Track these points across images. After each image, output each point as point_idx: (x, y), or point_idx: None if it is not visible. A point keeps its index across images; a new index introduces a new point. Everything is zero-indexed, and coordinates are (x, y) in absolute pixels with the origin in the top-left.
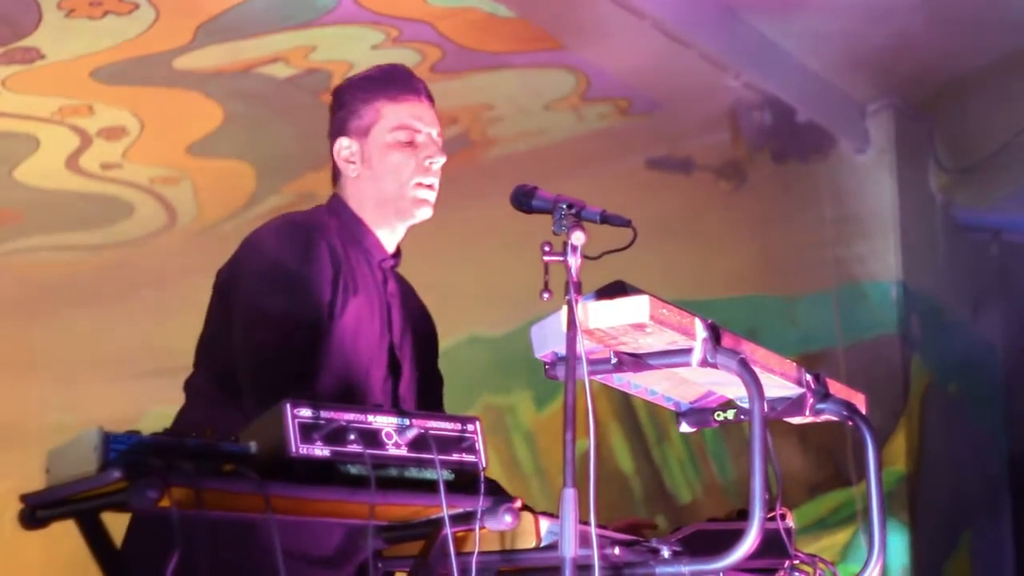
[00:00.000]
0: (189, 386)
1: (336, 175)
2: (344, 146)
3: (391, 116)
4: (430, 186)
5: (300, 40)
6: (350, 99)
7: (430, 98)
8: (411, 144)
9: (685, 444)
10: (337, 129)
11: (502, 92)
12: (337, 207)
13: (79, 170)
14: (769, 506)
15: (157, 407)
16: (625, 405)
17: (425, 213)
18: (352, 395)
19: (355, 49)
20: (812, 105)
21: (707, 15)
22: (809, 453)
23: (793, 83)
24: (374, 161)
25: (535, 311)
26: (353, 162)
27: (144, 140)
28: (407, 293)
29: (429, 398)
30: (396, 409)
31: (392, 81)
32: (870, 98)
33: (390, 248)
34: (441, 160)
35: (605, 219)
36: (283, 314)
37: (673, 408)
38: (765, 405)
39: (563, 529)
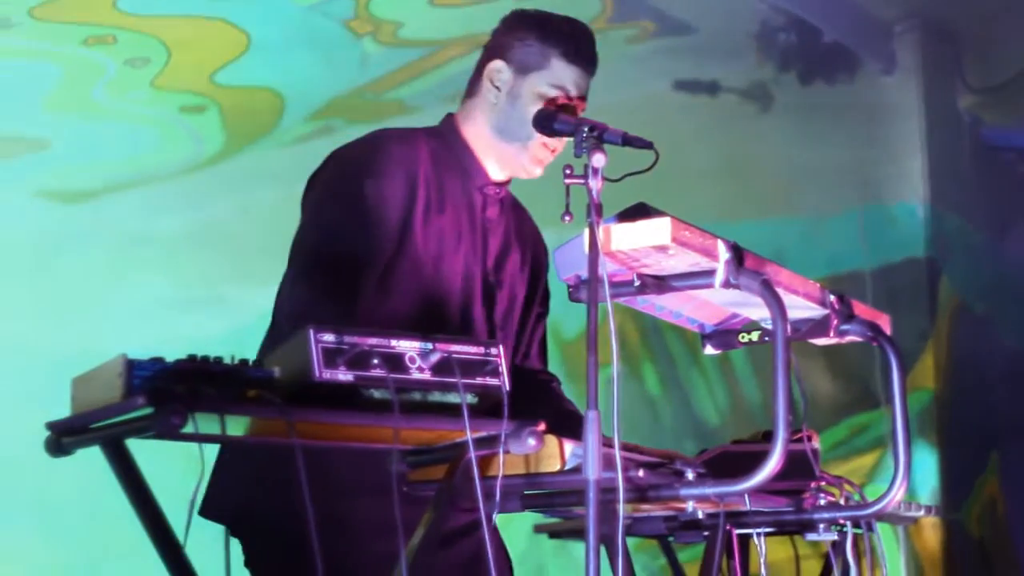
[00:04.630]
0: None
1: (471, 91)
2: (498, 69)
3: (557, 71)
4: (553, 150)
5: None
6: (526, 31)
7: (593, 74)
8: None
9: (714, 367)
10: (498, 50)
11: None
12: (446, 129)
13: (105, 99)
14: (794, 428)
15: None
16: (654, 329)
17: (535, 172)
18: (427, 319)
19: None
20: (838, 26)
21: None
22: (837, 375)
23: (819, 4)
24: (518, 101)
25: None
26: (499, 88)
27: (170, 68)
28: (519, 219)
29: (523, 329)
30: (420, 333)
31: (574, 40)
32: (896, 19)
33: (496, 177)
34: (559, 147)
35: (627, 141)
36: (337, 225)
37: (698, 330)
38: (788, 326)
39: (586, 451)
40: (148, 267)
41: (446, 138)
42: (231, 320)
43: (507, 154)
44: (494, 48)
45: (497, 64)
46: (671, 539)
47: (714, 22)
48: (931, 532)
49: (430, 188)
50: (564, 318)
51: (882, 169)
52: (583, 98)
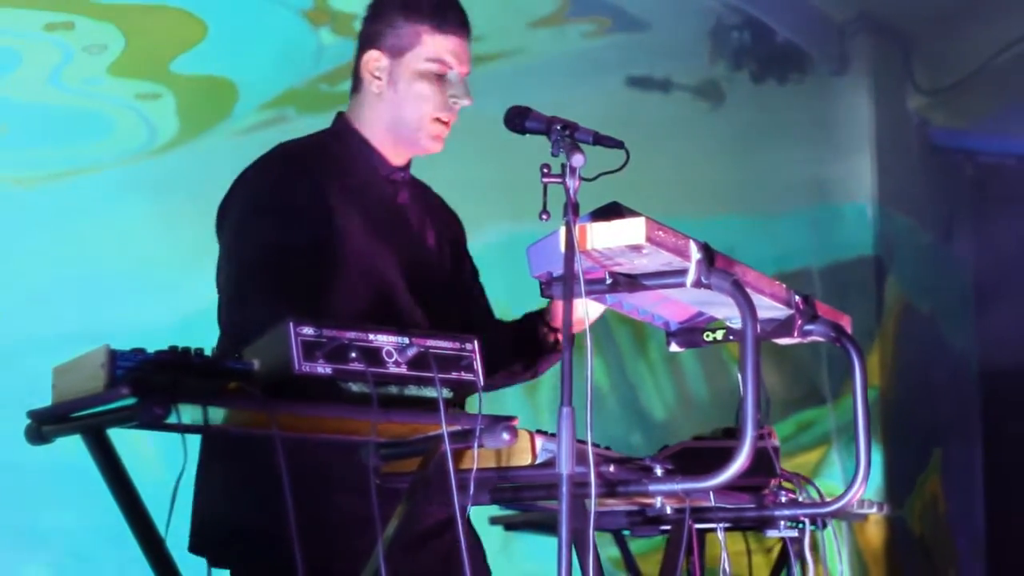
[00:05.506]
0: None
1: (355, 87)
2: (374, 58)
3: (431, 45)
4: (447, 123)
5: None
6: (391, 13)
7: (469, 37)
8: (441, 78)
9: (660, 360)
10: (370, 39)
11: (484, 11)
12: (341, 128)
13: (61, 85)
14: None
15: (133, 320)
16: (601, 321)
17: (435, 148)
18: (377, 314)
19: None
20: (791, 26)
21: None
22: (785, 372)
23: (773, 4)
24: (400, 84)
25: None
26: (379, 78)
27: (127, 55)
28: (424, 195)
29: (466, 298)
30: (396, 328)
31: (440, 10)
32: (848, 20)
33: (398, 162)
34: (466, 103)
35: (598, 140)
36: (262, 247)
37: (662, 327)
38: (758, 326)
39: (560, 446)
40: (101, 252)
41: (343, 137)
42: (182, 307)
43: (404, 138)
44: (366, 38)
45: (372, 54)
46: (626, 532)
47: (669, 19)
48: (874, 529)
49: (341, 194)
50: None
51: (832, 168)
52: (465, 64)
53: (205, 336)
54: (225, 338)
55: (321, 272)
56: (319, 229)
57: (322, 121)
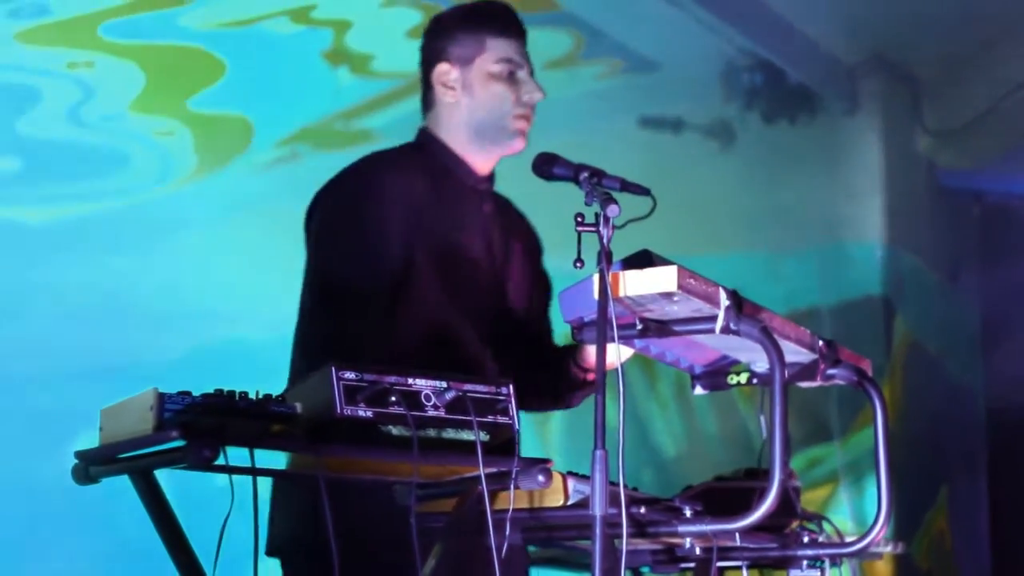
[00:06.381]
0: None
1: (427, 103)
2: (444, 71)
3: (495, 49)
4: (527, 118)
5: None
6: (452, 28)
7: (526, 41)
8: (512, 77)
9: (671, 399)
10: (436, 55)
11: None
12: (426, 140)
13: (81, 122)
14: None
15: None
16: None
17: (520, 144)
18: (451, 327)
19: (357, 8)
20: (802, 68)
21: None
22: (793, 408)
23: (784, 46)
24: (476, 89)
25: None
26: (453, 88)
27: (147, 94)
28: (504, 208)
29: (533, 311)
30: (434, 372)
31: (496, 16)
32: (858, 61)
33: (483, 172)
34: (540, 97)
35: (625, 187)
36: (341, 260)
37: (687, 371)
38: (786, 372)
39: (594, 488)
40: (118, 285)
41: (429, 148)
42: (198, 340)
43: (489, 138)
44: (431, 55)
45: (442, 67)
46: (645, 568)
47: (681, 61)
48: (882, 565)
49: (430, 203)
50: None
51: (842, 208)
52: (525, 63)
53: (219, 368)
54: (296, 349)
55: (387, 297)
56: (397, 254)
57: (337, 158)
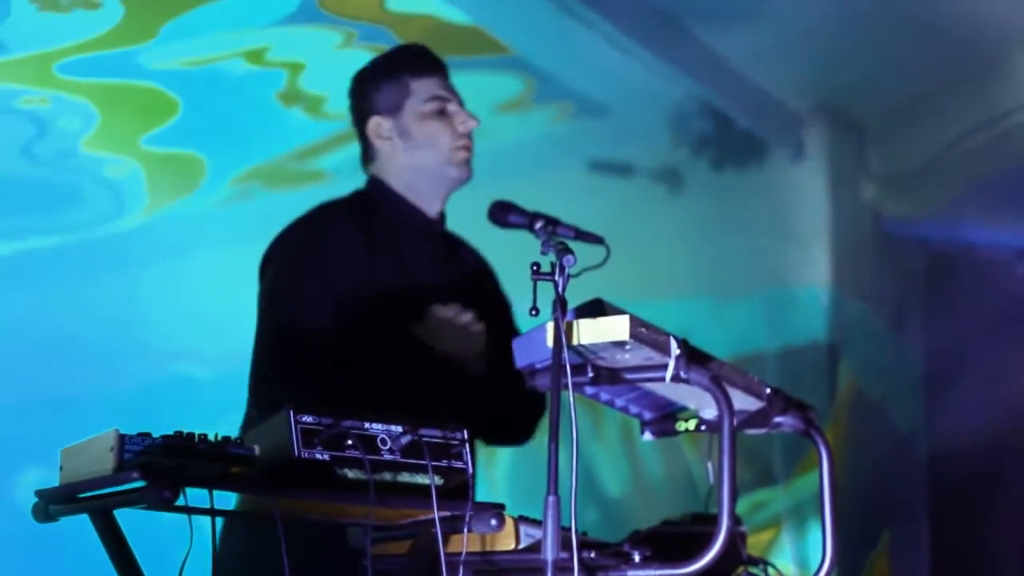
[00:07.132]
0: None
1: (368, 156)
2: (376, 124)
3: (421, 89)
4: (467, 147)
5: (259, 39)
6: (375, 80)
7: (448, 74)
8: (443, 113)
9: (616, 441)
10: (366, 111)
11: None
12: (374, 187)
13: (34, 158)
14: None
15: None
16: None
17: (466, 174)
18: (405, 370)
19: (311, 50)
20: (750, 114)
21: (652, 27)
22: (738, 452)
23: (733, 93)
24: (412, 133)
25: None
26: (389, 138)
27: (101, 131)
28: (456, 246)
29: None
30: (390, 416)
31: (412, 58)
32: (805, 109)
33: (432, 213)
34: (474, 124)
35: (579, 236)
36: (285, 323)
37: (636, 417)
38: (735, 420)
39: (546, 533)
40: (66, 320)
41: (377, 195)
42: (146, 377)
43: (435, 175)
44: (362, 113)
45: (374, 120)
46: None
47: (631, 106)
48: None
49: (379, 252)
50: None
51: (788, 254)
52: (453, 96)
53: (168, 406)
54: (250, 397)
55: (345, 346)
56: (346, 302)
57: (289, 197)
